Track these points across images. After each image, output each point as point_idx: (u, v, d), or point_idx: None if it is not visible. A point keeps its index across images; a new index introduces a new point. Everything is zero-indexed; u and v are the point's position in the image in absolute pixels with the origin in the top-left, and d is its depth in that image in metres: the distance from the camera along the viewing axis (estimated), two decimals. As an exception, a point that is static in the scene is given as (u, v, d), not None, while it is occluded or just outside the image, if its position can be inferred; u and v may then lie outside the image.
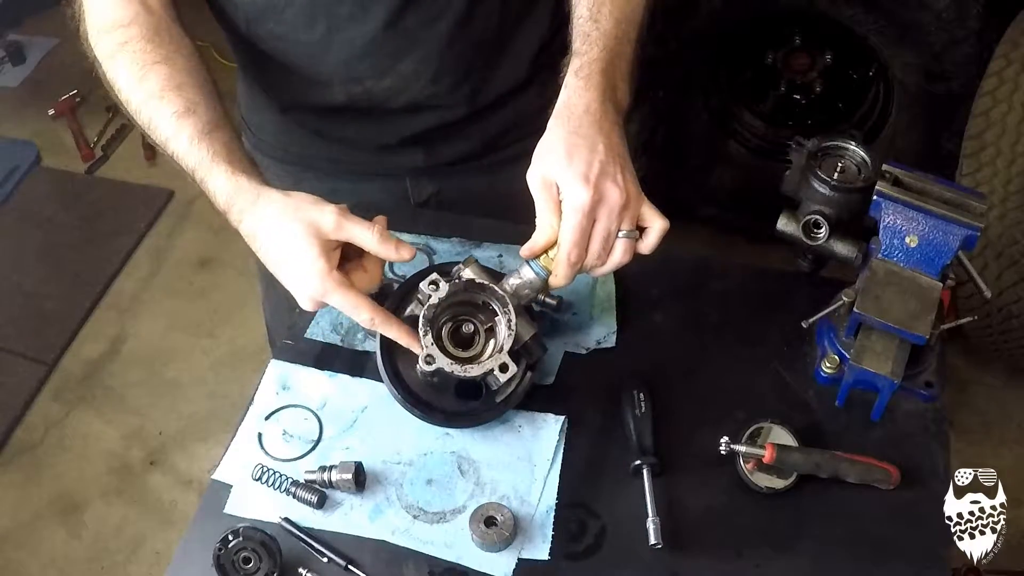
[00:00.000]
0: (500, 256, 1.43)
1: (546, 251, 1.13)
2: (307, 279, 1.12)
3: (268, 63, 1.43)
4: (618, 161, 1.11)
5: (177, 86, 1.23)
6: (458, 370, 1.11)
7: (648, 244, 1.15)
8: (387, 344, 1.19)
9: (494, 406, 1.20)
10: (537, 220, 1.13)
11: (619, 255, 1.13)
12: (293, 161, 1.58)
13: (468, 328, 1.18)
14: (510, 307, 1.13)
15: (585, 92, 1.14)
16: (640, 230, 1.15)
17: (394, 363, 1.20)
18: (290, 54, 1.40)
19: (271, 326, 1.80)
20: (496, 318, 1.17)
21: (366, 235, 1.12)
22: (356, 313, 1.13)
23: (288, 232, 1.12)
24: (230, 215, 1.19)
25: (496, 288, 1.15)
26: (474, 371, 1.11)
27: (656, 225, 1.14)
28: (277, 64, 1.43)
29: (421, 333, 1.13)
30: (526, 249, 1.14)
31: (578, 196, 1.09)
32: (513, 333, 1.12)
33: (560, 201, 1.11)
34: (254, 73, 1.50)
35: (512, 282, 1.17)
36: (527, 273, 1.16)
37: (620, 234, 1.12)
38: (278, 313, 1.74)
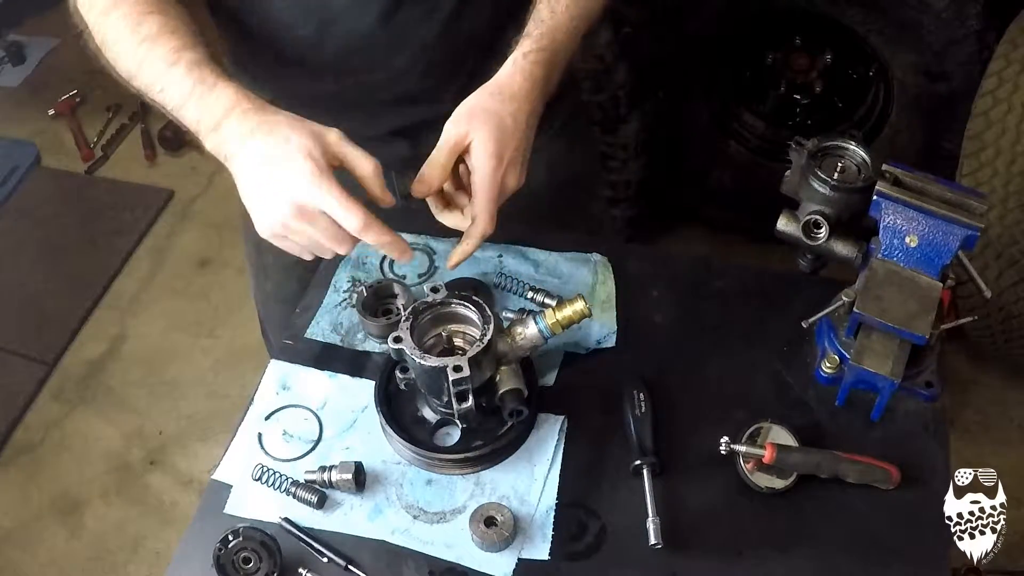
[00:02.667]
0: (500, 256, 1.43)
1: (432, 190, 1.21)
2: (300, 176, 1.09)
3: (258, 54, 1.44)
4: (524, 152, 1.22)
5: (172, 30, 1.21)
6: (417, 356, 1.12)
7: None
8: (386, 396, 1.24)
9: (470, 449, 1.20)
10: (431, 157, 1.20)
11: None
12: None
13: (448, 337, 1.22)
14: (491, 326, 1.14)
15: (527, 78, 1.22)
16: None
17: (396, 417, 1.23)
18: (282, 46, 1.41)
19: (264, 318, 1.80)
20: (476, 333, 1.18)
21: (366, 162, 1.14)
22: (347, 216, 1.09)
23: (288, 133, 1.11)
24: (222, 129, 1.15)
25: (486, 307, 1.17)
26: (431, 362, 1.12)
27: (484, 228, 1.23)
28: (268, 55, 1.43)
29: (403, 319, 1.16)
30: (421, 185, 1.20)
31: (491, 166, 1.18)
32: (482, 346, 1.12)
33: (458, 158, 1.20)
34: (243, 62, 1.50)
35: (516, 331, 1.18)
36: (531, 330, 1.17)
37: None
38: (269, 304, 1.74)
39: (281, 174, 1.09)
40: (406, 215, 1.50)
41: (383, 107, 1.47)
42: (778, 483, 1.15)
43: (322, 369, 1.32)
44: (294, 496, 1.18)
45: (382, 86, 1.44)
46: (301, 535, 1.15)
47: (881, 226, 1.16)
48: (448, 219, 1.28)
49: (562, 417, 1.24)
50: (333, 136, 1.13)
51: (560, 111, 1.61)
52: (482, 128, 1.18)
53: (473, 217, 1.21)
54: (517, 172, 1.22)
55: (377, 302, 1.33)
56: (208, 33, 1.30)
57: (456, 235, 1.45)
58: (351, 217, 1.09)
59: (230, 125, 1.14)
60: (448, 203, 1.28)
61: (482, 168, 1.19)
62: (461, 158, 1.22)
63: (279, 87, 1.50)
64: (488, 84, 1.23)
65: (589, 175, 1.93)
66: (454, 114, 1.21)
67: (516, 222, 1.47)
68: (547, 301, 1.34)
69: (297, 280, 1.52)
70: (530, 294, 1.36)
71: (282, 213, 1.11)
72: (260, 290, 1.75)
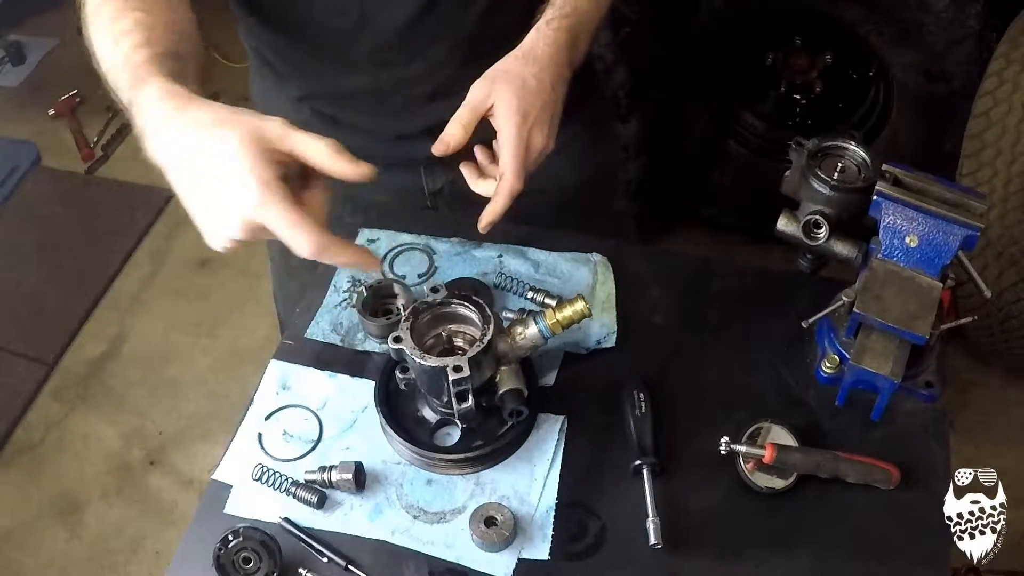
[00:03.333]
0: (500, 256, 1.43)
1: (451, 148, 1.20)
2: (242, 190, 0.93)
3: (292, 49, 1.43)
4: (552, 114, 1.22)
5: (149, 26, 1.09)
6: (417, 356, 1.12)
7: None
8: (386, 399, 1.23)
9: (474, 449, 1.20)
10: (453, 117, 1.21)
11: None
12: None
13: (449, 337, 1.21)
14: (491, 326, 1.14)
15: (550, 44, 1.23)
16: None
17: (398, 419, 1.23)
18: (320, 39, 1.40)
19: (284, 320, 1.79)
20: (476, 333, 1.18)
21: (318, 147, 0.97)
22: (295, 236, 0.94)
23: (223, 137, 0.94)
24: (156, 132, 0.98)
25: (486, 307, 1.17)
26: (431, 362, 1.12)
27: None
28: (303, 49, 1.42)
29: (403, 319, 1.16)
30: (439, 143, 1.20)
31: (515, 123, 1.18)
32: (483, 346, 1.12)
33: (482, 116, 1.21)
34: (273, 60, 1.49)
35: (516, 331, 1.18)
36: (531, 330, 1.17)
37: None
38: (290, 306, 1.73)
39: (224, 193, 0.95)
40: (410, 216, 1.50)
41: (418, 102, 1.46)
42: (778, 483, 1.15)
43: (322, 369, 1.32)
44: (294, 496, 1.18)
45: (419, 79, 1.43)
46: (301, 535, 1.15)
47: (881, 226, 1.16)
48: (482, 188, 1.27)
49: (562, 417, 1.24)
50: (274, 130, 0.97)
51: (586, 108, 1.61)
52: (505, 88, 1.19)
53: (501, 175, 1.20)
54: (544, 132, 1.21)
55: (377, 302, 1.33)
56: (190, 31, 1.17)
57: (455, 236, 1.46)
58: (301, 243, 0.95)
59: (162, 127, 0.98)
60: (482, 174, 1.27)
61: (506, 125, 1.19)
62: (490, 125, 1.22)
63: (310, 84, 1.49)
64: (513, 51, 1.24)
65: (613, 170, 1.93)
66: (479, 79, 1.22)
67: (544, 217, 1.46)
68: (547, 301, 1.34)
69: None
70: (530, 294, 1.36)
71: (232, 231, 0.97)
72: (282, 290, 1.75)
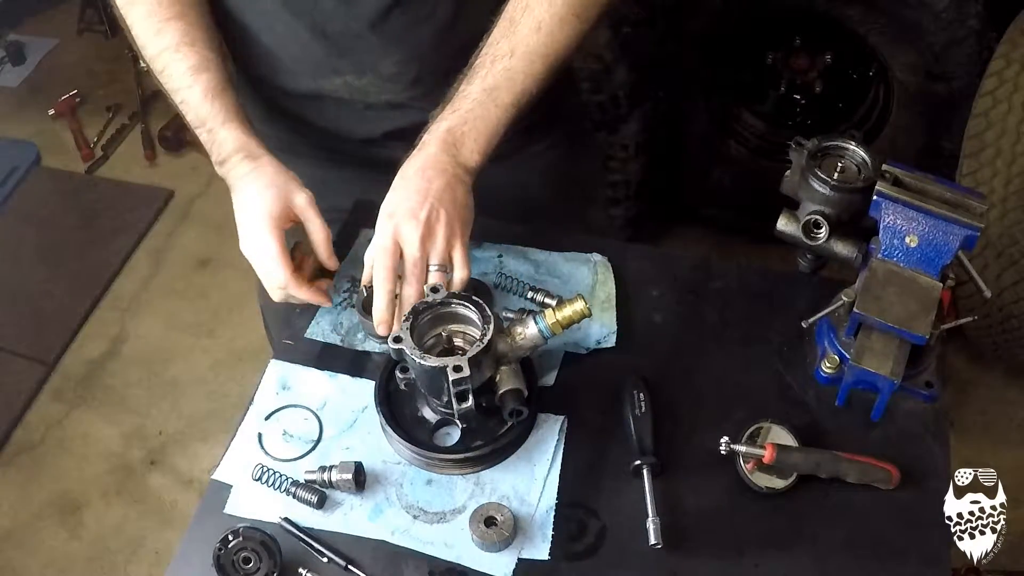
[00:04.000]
0: (500, 256, 1.43)
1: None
2: (251, 230, 1.26)
3: (253, 47, 1.45)
4: (432, 205, 1.21)
5: (191, 42, 1.32)
6: (417, 356, 1.12)
7: (451, 284, 1.22)
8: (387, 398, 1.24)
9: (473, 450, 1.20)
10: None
11: (431, 280, 1.21)
12: (281, 148, 1.59)
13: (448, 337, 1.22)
14: (491, 326, 1.14)
15: (428, 149, 1.25)
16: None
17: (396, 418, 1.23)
18: (277, 44, 1.42)
19: (266, 318, 1.80)
20: (476, 333, 1.18)
21: (318, 230, 1.28)
22: (271, 273, 1.25)
23: (262, 188, 1.26)
24: (224, 166, 1.31)
25: (486, 307, 1.17)
26: (431, 362, 1.12)
27: (455, 274, 1.22)
28: (261, 49, 1.44)
29: (403, 318, 1.16)
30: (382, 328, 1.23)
31: (380, 232, 1.21)
32: (482, 346, 1.12)
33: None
34: (243, 55, 1.51)
35: (516, 331, 1.18)
36: (531, 330, 1.17)
37: (432, 266, 1.21)
38: (276, 318, 1.74)
39: (244, 222, 1.27)
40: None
41: (374, 109, 1.47)
42: (778, 483, 1.15)
43: (322, 369, 1.32)
44: (294, 496, 1.18)
45: (371, 90, 1.45)
46: (301, 535, 1.15)
47: (881, 226, 1.16)
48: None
49: (562, 417, 1.24)
50: (301, 200, 1.27)
51: (560, 118, 1.61)
52: (383, 207, 1.24)
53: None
54: (415, 222, 1.20)
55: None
56: (216, 34, 1.38)
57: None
58: (274, 274, 1.25)
59: (231, 167, 1.30)
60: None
61: (371, 250, 1.23)
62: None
63: (271, 83, 1.50)
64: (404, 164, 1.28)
65: (588, 180, 1.94)
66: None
67: (510, 221, 1.47)
68: (547, 301, 1.34)
69: None
70: (530, 294, 1.36)
71: (245, 244, 1.28)
72: (263, 294, 1.75)
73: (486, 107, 1.27)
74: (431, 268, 1.21)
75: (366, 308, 1.30)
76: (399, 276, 1.21)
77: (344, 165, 1.58)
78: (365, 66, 1.41)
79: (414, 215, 1.20)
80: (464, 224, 1.24)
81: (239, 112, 1.33)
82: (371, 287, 1.31)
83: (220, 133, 1.30)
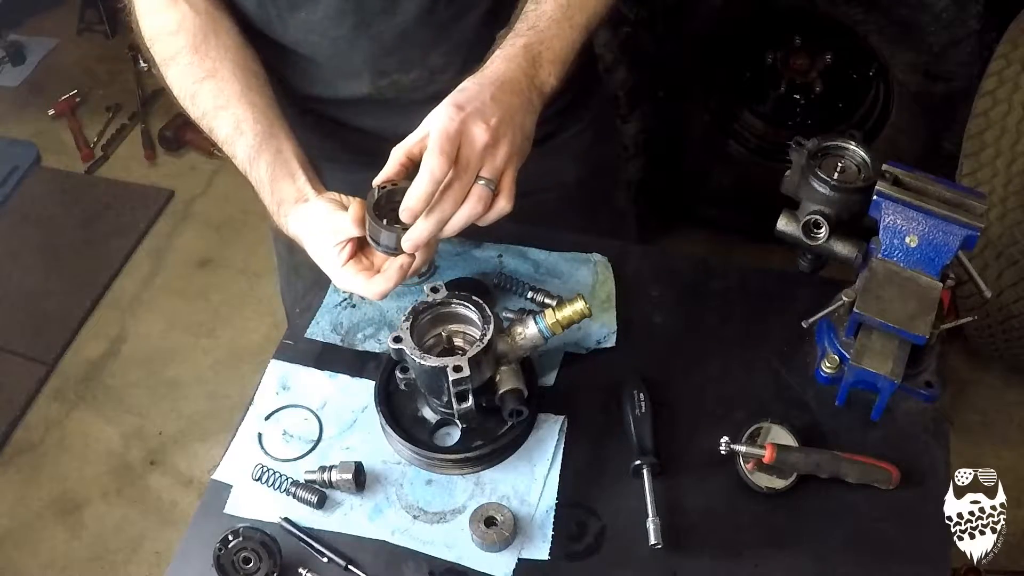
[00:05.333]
0: (500, 256, 1.43)
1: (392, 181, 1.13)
2: (325, 265, 1.21)
3: (291, 55, 1.43)
4: (503, 118, 1.11)
5: (224, 104, 1.29)
6: (417, 356, 1.12)
7: (487, 217, 1.13)
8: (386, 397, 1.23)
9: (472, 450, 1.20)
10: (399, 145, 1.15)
11: (473, 203, 1.10)
12: (313, 154, 1.59)
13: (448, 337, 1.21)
14: (491, 326, 1.14)
15: (502, 64, 1.16)
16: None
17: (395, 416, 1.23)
18: (317, 47, 1.40)
19: (291, 317, 1.80)
20: (476, 333, 1.18)
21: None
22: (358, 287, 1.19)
23: (313, 238, 1.22)
24: (279, 220, 1.27)
25: (486, 307, 1.17)
26: (431, 362, 1.12)
27: (500, 203, 1.12)
28: (301, 56, 1.42)
29: (403, 319, 1.16)
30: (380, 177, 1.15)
31: (442, 118, 1.08)
32: (482, 346, 1.12)
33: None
34: (274, 65, 1.50)
35: (516, 331, 1.18)
36: (531, 330, 1.17)
37: (480, 182, 1.10)
38: (297, 303, 1.73)
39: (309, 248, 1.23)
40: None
41: (417, 106, 1.46)
42: (778, 483, 1.15)
43: (322, 369, 1.32)
44: (294, 496, 1.18)
45: (417, 85, 1.43)
46: (301, 535, 1.15)
47: (881, 226, 1.16)
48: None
49: (562, 417, 1.24)
50: (346, 227, 1.19)
51: (589, 105, 1.60)
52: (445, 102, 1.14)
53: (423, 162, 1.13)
54: (487, 124, 1.09)
55: (390, 205, 1.17)
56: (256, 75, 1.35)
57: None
58: (367, 292, 1.19)
59: (284, 222, 1.26)
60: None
61: (435, 113, 1.11)
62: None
63: (312, 90, 1.48)
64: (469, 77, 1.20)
65: (615, 167, 1.93)
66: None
67: (547, 215, 1.45)
68: (547, 301, 1.34)
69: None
70: (530, 294, 1.36)
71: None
72: (291, 289, 1.75)
73: (562, 26, 1.21)
74: (480, 181, 1.10)
75: (378, 208, 1.14)
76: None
77: (376, 166, 1.57)
78: (413, 62, 1.40)
79: (485, 119, 1.09)
80: (522, 156, 1.15)
81: (278, 163, 1.27)
82: (383, 187, 1.16)
83: (265, 196, 1.28)
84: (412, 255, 1.14)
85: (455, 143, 1.08)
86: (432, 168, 1.06)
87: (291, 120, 1.55)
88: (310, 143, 1.57)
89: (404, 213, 1.09)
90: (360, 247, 1.20)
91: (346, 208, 1.20)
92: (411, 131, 1.46)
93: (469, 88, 1.13)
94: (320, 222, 1.20)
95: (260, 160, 1.27)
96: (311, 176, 1.27)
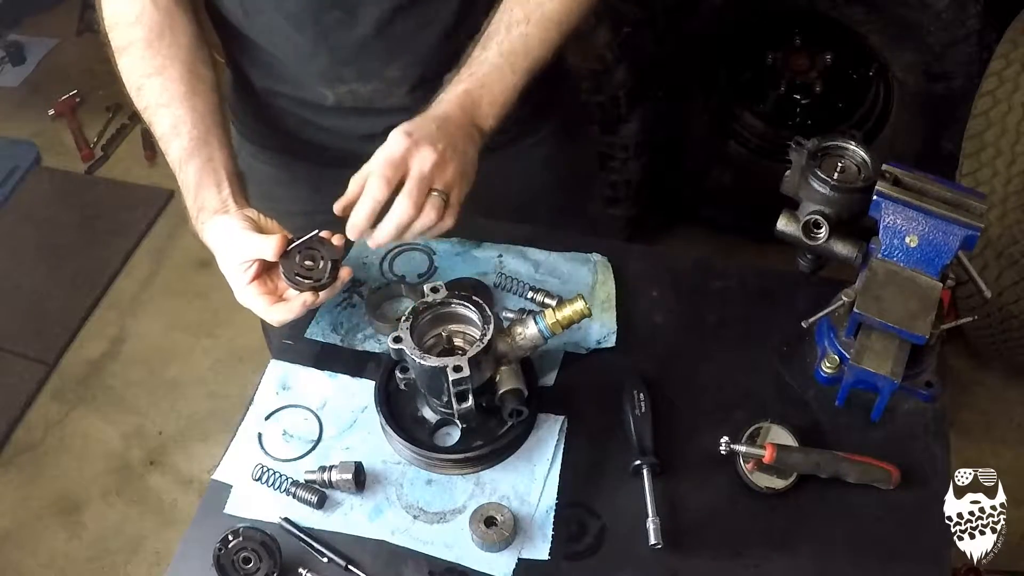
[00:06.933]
0: (500, 256, 1.43)
1: (349, 208, 1.18)
2: (230, 280, 1.27)
3: (258, 54, 1.45)
4: (450, 144, 1.20)
5: (167, 103, 1.32)
6: (417, 356, 1.12)
7: (433, 230, 1.20)
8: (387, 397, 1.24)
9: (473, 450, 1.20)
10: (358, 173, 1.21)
11: (427, 210, 1.18)
12: (280, 149, 1.60)
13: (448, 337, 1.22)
14: (491, 326, 1.14)
15: (446, 106, 1.25)
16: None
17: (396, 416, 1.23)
18: (280, 48, 1.42)
19: (269, 334, 1.81)
20: (476, 333, 1.18)
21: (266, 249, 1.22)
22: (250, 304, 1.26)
23: (225, 256, 1.25)
24: (196, 225, 1.31)
25: (486, 307, 1.17)
26: (431, 362, 1.12)
27: (444, 220, 1.20)
28: (267, 56, 1.44)
29: (403, 319, 1.16)
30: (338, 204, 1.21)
31: (392, 144, 1.18)
32: (482, 346, 1.13)
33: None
34: (242, 62, 1.51)
35: (516, 331, 1.18)
36: (531, 330, 1.17)
37: (434, 192, 1.18)
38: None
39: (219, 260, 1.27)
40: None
41: (379, 114, 1.48)
42: (778, 483, 1.15)
43: (322, 369, 1.32)
44: (294, 496, 1.18)
45: (375, 96, 1.45)
46: (301, 535, 1.15)
47: (881, 226, 1.16)
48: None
49: (562, 417, 1.24)
50: (267, 248, 1.22)
51: (554, 112, 1.61)
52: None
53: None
54: (433, 148, 1.18)
55: (385, 302, 1.32)
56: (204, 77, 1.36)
57: (454, 235, 1.45)
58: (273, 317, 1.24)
59: (205, 217, 1.29)
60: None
61: (374, 163, 1.19)
62: None
63: (276, 90, 1.50)
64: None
65: (586, 175, 1.93)
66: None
67: (513, 221, 1.47)
68: (547, 301, 1.34)
69: None
70: (530, 294, 1.36)
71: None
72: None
73: (502, 72, 1.28)
74: (433, 193, 1.18)
75: (371, 306, 1.30)
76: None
77: (344, 165, 1.58)
78: (370, 73, 1.42)
79: (432, 143, 1.18)
80: (468, 181, 1.23)
81: (206, 172, 1.31)
82: (377, 289, 1.29)
83: (189, 200, 1.32)
84: (316, 294, 1.22)
85: (398, 170, 1.17)
86: (373, 191, 1.17)
87: (259, 115, 1.56)
88: (276, 139, 1.59)
89: (351, 230, 1.19)
90: (266, 269, 1.25)
91: (261, 228, 1.24)
92: (370, 133, 1.52)
93: (416, 120, 1.22)
94: (232, 237, 1.23)
95: (190, 164, 1.31)
96: (236, 189, 1.30)
